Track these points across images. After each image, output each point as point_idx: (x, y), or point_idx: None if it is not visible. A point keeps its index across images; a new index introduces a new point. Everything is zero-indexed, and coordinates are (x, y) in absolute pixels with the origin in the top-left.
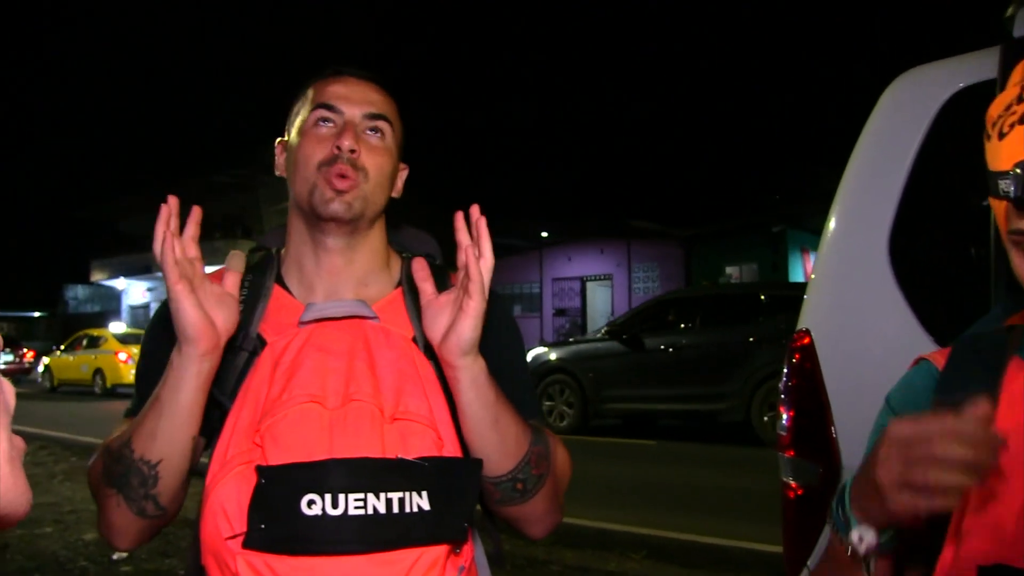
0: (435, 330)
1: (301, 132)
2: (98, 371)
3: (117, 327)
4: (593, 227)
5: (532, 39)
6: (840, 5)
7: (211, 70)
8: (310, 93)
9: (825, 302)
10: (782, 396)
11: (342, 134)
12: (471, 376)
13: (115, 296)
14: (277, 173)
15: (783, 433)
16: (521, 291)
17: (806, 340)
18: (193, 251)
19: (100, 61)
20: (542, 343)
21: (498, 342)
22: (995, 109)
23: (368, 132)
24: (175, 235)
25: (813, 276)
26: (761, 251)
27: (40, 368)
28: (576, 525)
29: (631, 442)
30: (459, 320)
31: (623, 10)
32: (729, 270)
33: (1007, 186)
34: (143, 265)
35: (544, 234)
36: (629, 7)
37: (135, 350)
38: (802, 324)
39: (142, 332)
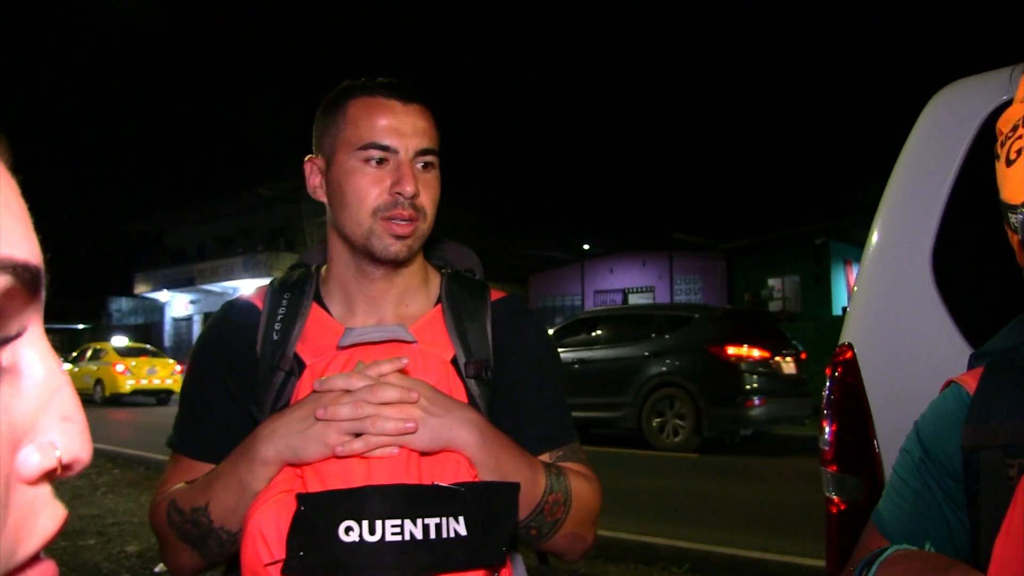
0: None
1: (348, 168)
2: (99, 381)
3: (119, 341)
4: (635, 239)
5: (579, 51)
6: (887, 19)
7: (256, 84)
8: (349, 113)
9: (868, 315)
10: (824, 411)
11: (401, 180)
12: (468, 453)
13: (158, 308)
14: (313, 195)
15: (826, 448)
16: (563, 303)
17: (848, 354)
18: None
19: (147, 74)
20: None
21: (529, 365)
22: (1004, 124)
23: (420, 168)
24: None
25: (856, 289)
26: (804, 264)
27: None
28: (619, 539)
29: (672, 455)
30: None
31: (670, 25)
32: (771, 282)
33: (1017, 222)
34: (187, 278)
35: (586, 246)
36: (676, 23)
37: (133, 363)
38: (845, 338)
39: (142, 346)
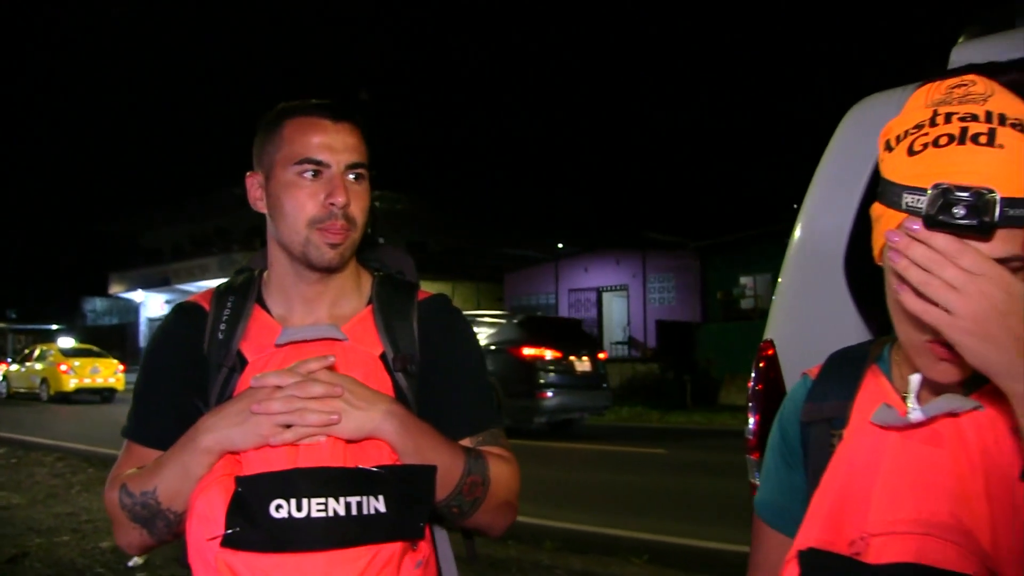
0: None
1: (285, 182)
2: (44, 380)
3: (65, 342)
4: (609, 238)
5: (551, 52)
6: (860, 17)
7: (232, 82)
8: (285, 132)
9: (787, 312)
10: (749, 403)
11: (334, 191)
12: (388, 440)
13: (133, 309)
14: (254, 207)
15: (750, 437)
16: (537, 302)
17: (770, 351)
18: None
19: (124, 72)
20: None
21: (452, 358)
22: (898, 126)
23: (350, 179)
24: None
25: (777, 288)
26: (776, 262)
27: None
28: (582, 531)
29: (640, 451)
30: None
31: (641, 22)
32: (743, 280)
33: (917, 201)
34: (162, 278)
35: (560, 245)
36: (646, 20)
37: (76, 362)
38: (767, 334)
39: (88, 347)
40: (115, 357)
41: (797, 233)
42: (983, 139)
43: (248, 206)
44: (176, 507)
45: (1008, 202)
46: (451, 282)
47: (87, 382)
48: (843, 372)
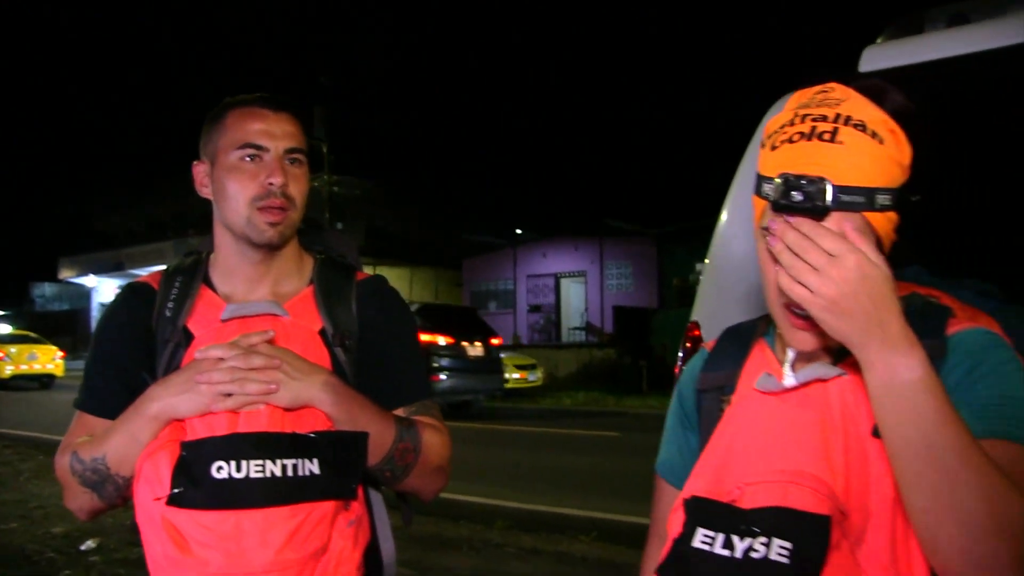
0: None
1: (228, 166)
2: None
3: (2, 328)
4: (567, 225)
5: (511, 40)
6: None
7: (184, 65)
8: (228, 121)
9: (710, 295)
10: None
11: (272, 172)
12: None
13: (84, 294)
14: (200, 193)
15: None
16: (496, 288)
17: (696, 332)
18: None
19: (76, 51)
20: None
21: (388, 335)
22: (772, 126)
23: (289, 163)
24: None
25: (704, 270)
26: None
27: None
28: (532, 510)
29: (594, 434)
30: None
31: (602, 10)
32: (699, 267)
33: (769, 189)
34: (116, 262)
35: (519, 231)
36: (607, 8)
37: (13, 349)
38: (693, 315)
39: (25, 333)
40: (64, 344)
41: (722, 219)
42: (827, 136)
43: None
44: (124, 472)
45: (841, 189)
46: (410, 268)
47: (24, 368)
48: (734, 345)
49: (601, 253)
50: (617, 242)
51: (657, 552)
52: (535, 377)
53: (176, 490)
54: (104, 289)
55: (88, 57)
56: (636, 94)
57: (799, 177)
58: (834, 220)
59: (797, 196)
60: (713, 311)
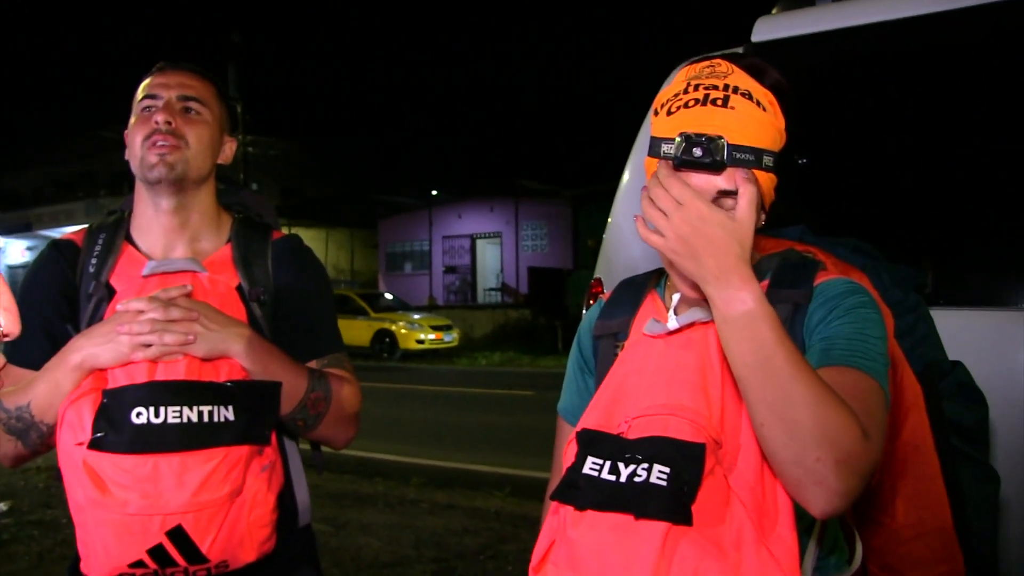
0: None
1: (132, 120)
2: None
3: None
4: (483, 186)
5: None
6: None
7: (92, 23)
8: (139, 86)
9: (613, 252)
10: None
11: (159, 111)
12: (239, 360)
13: None
14: (126, 157)
15: None
16: (411, 248)
17: (598, 288)
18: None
19: None
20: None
21: (301, 291)
22: (664, 95)
23: (184, 111)
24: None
25: (607, 228)
26: None
27: None
28: (447, 467)
29: (509, 393)
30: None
31: None
32: None
33: (669, 148)
34: (24, 223)
35: (434, 192)
36: None
37: None
38: (596, 273)
39: None
40: None
41: (624, 179)
42: (719, 102)
43: (116, 151)
44: (47, 419)
45: (734, 148)
46: (325, 228)
47: None
48: (628, 295)
49: (516, 214)
50: (532, 203)
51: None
52: (451, 338)
53: (97, 435)
54: (12, 250)
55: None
56: (553, 56)
57: (699, 135)
58: (728, 175)
59: (697, 152)
60: (614, 268)
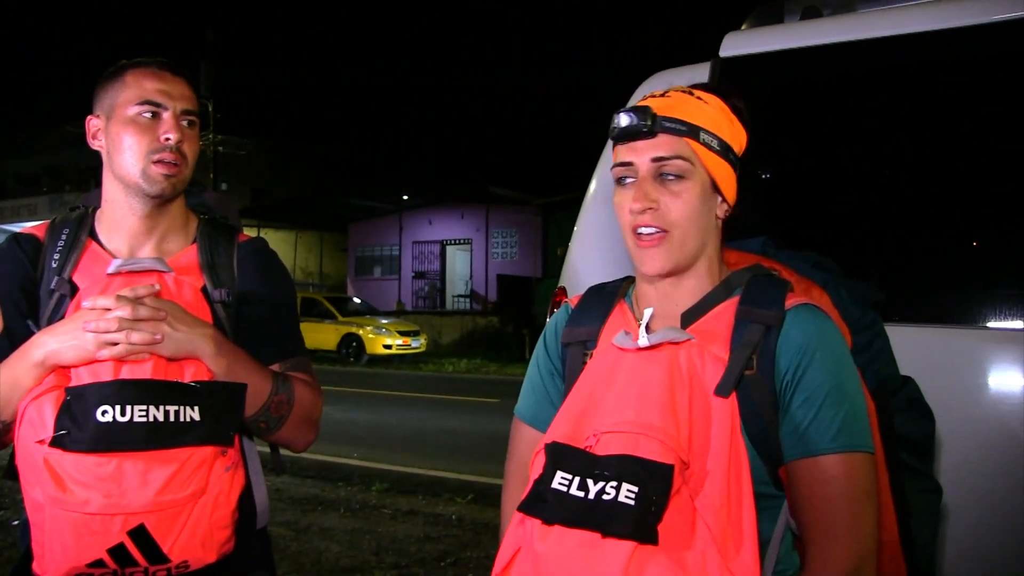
0: None
1: (126, 120)
2: None
3: None
4: (454, 192)
5: (402, 4)
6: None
7: (67, 13)
8: (127, 79)
9: (578, 260)
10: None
11: (169, 129)
12: (205, 361)
13: None
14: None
15: None
16: (381, 253)
17: (562, 297)
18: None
19: None
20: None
21: (266, 294)
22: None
23: (185, 124)
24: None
25: (573, 236)
26: None
27: None
28: (410, 473)
29: (475, 400)
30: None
31: None
32: None
33: (612, 129)
34: None
35: (405, 197)
36: None
37: None
38: (561, 281)
39: None
40: None
41: (591, 188)
42: (659, 93)
43: (82, 146)
44: (5, 416)
45: (664, 118)
46: (295, 230)
47: None
48: (597, 303)
49: (487, 221)
50: (503, 211)
51: (515, 489)
52: (418, 343)
53: (60, 432)
54: None
55: None
56: (525, 65)
57: (628, 108)
58: (663, 141)
59: (626, 119)
60: (579, 276)
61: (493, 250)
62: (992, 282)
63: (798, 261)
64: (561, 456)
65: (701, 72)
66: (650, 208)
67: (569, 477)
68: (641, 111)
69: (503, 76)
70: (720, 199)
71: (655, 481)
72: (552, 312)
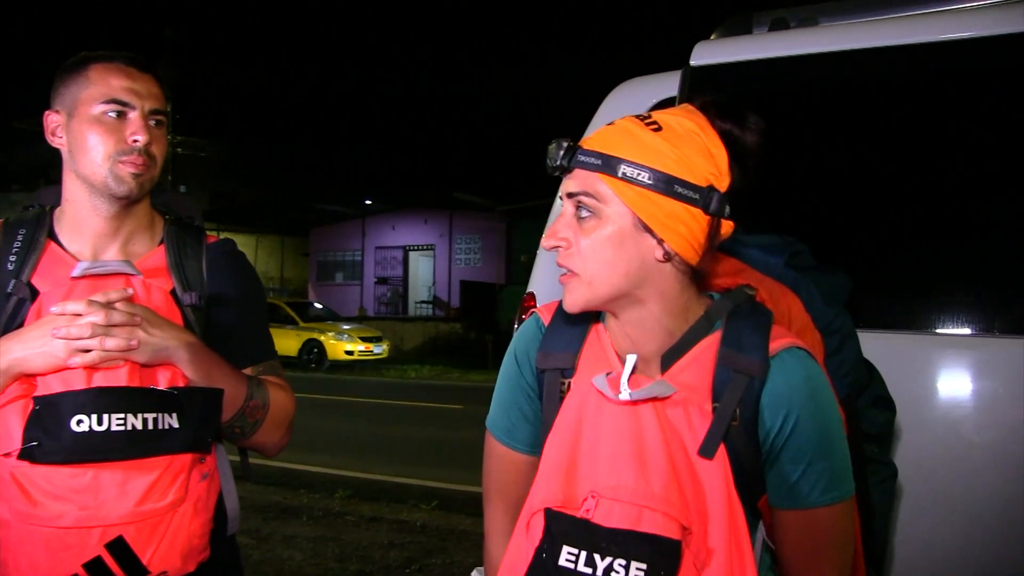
0: None
1: (90, 119)
2: None
3: None
4: (418, 198)
5: (369, 8)
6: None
7: (16, 5)
8: (91, 75)
9: (546, 267)
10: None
11: (138, 130)
12: (180, 367)
13: None
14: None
15: None
16: (343, 258)
17: (531, 303)
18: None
19: None
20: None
21: (236, 296)
22: None
23: (152, 124)
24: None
25: (542, 242)
26: None
27: None
28: (373, 480)
29: (438, 406)
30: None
31: None
32: None
33: (550, 162)
34: None
35: (368, 202)
36: None
37: None
38: (530, 287)
39: None
40: None
41: (559, 195)
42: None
43: (30, 143)
44: None
45: (583, 151)
46: (256, 235)
47: None
48: (571, 324)
49: (451, 227)
50: (467, 217)
51: (500, 514)
52: (380, 350)
53: (31, 444)
54: None
55: None
56: (492, 72)
57: (560, 142)
58: (578, 178)
59: (550, 152)
60: (549, 283)
61: (457, 256)
62: (949, 287)
63: (773, 254)
64: (563, 529)
65: (671, 80)
66: (558, 246)
67: (576, 552)
68: (564, 144)
69: (469, 81)
70: (655, 240)
71: (663, 558)
72: (520, 320)
